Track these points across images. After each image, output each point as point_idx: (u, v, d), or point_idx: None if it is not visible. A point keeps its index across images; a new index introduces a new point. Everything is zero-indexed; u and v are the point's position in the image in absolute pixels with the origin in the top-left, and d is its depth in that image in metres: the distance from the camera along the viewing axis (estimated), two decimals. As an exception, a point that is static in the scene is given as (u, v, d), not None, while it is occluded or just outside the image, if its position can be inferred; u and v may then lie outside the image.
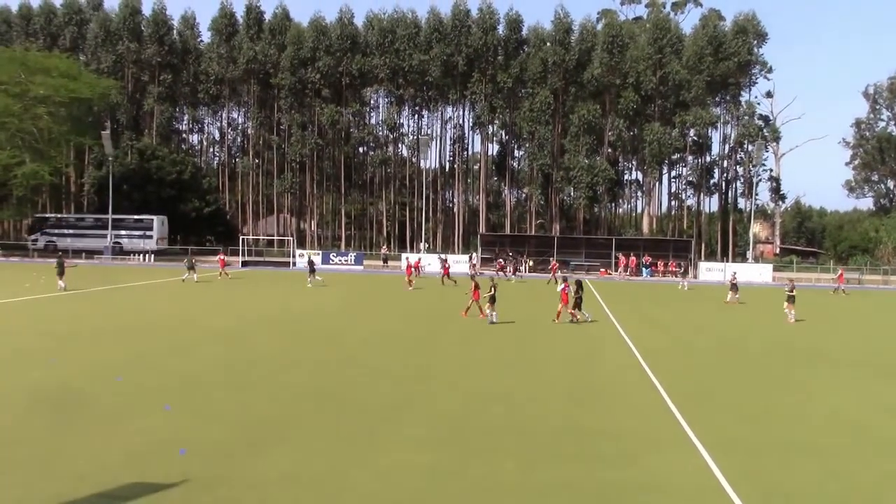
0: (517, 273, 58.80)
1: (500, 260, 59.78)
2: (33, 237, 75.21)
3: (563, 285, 29.01)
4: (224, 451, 11.43)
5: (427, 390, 16.30)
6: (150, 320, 26.87)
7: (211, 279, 47.31)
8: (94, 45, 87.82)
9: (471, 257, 62.17)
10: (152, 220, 72.64)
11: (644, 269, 62.69)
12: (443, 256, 58.83)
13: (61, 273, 38.07)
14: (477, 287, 29.72)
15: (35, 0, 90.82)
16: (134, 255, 69.19)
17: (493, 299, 27.84)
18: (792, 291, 31.98)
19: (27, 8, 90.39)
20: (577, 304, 29.00)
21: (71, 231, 74.13)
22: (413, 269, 48.10)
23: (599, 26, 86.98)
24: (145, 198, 76.45)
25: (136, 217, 72.86)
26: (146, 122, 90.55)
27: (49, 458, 10.97)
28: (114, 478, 10.08)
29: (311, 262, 47.37)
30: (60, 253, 50.39)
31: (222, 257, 51.76)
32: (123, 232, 72.50)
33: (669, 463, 11.52)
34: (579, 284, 29.68)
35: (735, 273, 43.95)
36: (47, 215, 78.43)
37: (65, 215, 79.56)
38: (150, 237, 72.05)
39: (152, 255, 68.51)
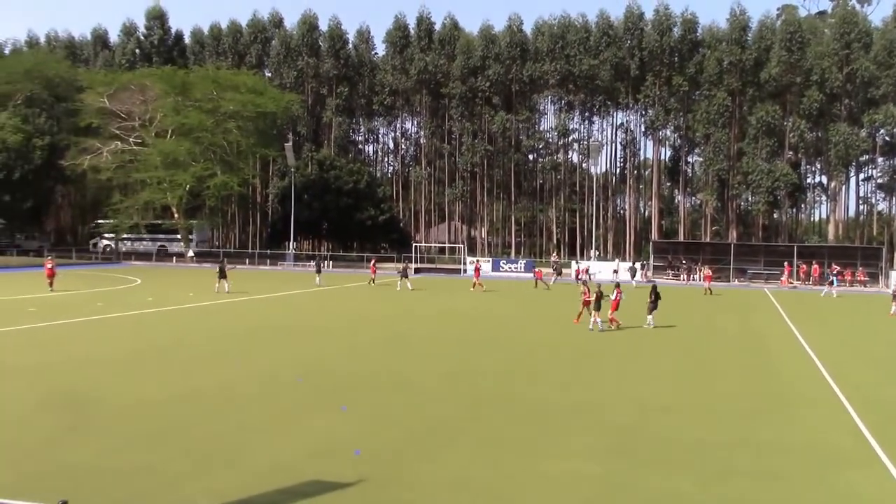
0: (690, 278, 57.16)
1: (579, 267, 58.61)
2: (93, 241, 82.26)
3: (615, 292, 28.34)
4: (397, 454, 11.79)
5: (594, 399, 16.18)
6: (321, 323, 28.06)
7: (388, 284, 48.68)
8: (276, 62, 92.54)
9: (554, 263, 60.83)
10: (192, 225, 79.69)
11: (832, 277, 59.15)
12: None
13: (223, 276, 40.04)
14: (589, 293, 29.01)
15: (224, 20, 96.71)
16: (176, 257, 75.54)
17: (598, 306, 27.20)
18: None
19: (217, 29, 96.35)
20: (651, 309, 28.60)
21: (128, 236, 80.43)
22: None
23: (778, 23, 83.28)
24: (324, 206, 79.59)
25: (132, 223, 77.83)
26: (325, 134, 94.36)
27: (234, 453, 11.66)
28: (293, 475, 10.57)
29: (405, 269, 48.43)
30: (223, 259, 53.27)
31: (373, 264, 52.63)
32: (166, 237, 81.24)
33: (858, 482, 10.92)
34: (654, 288, 29.16)
35: None
36: (100, 221, 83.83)
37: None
38: (191, 241, 78.72)
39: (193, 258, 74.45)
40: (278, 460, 11.30)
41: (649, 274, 59.02)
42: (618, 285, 29.61)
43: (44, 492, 9.20)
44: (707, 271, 51.32)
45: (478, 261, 56.72)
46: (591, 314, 27.50)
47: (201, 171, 73.50)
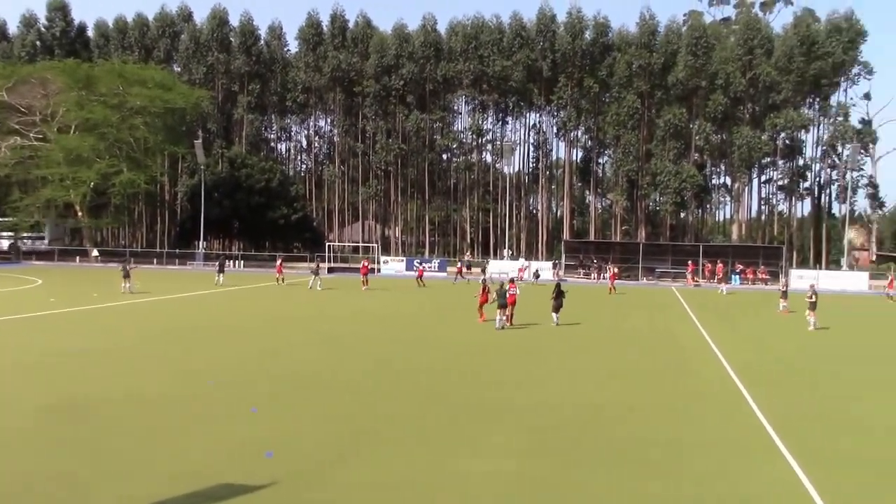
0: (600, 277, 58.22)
1: (459, 265, 60.39)
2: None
3: (509, 286, 28.67)
4: (311, 456, 11.57)
5: (508, 399, 16.18)
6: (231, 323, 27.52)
7: (298, 285, 48.11)
8: (185, 57, 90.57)
9: (459, 263, 62.70)
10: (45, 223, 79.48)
11: (735, 276, 61.11)
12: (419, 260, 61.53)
13: (127, 275, 39.64)
14: (485, 291, 29.75)
15: (129, 13, 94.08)
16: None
17: (501, 305, 27.51)
18: (812, 298, 30.67)
19: (122, 21, 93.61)
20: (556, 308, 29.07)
21: None
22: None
23: (685, 28, 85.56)
24: (235, 205, 78.32)
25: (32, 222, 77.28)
26: (236, 131, 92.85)
27: (143, 458, 11.28)
28: (204, 479, 10.29)
29: (317, 267, 48.68)
30: (127, 258, 52.24)
31: (279, 263, 52.22)
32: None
33: (760, 476, 11.20)
34: (558, 286, 29.75)
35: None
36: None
37: None
38: (43, 239, 78.61)
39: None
40: (189, 465, 10.97)
41: (561, 273, 59.80)
42: (512, 281, 29.83)
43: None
44: (612, 270, 52.13)
45: (366, 258, 56.89)
46: (501, 314, 27.70)
47: (106, 168, 71.31)
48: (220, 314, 31.40)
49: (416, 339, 25.19)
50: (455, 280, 55.95)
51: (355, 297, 41.50)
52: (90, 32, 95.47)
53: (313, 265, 50.72)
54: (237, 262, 70.78)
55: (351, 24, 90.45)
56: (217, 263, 51.82)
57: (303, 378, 17.75)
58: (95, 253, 73.29)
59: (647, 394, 16.97)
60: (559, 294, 29.14)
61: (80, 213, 76.23)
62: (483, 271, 55.70)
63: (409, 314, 33.37)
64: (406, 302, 39.45)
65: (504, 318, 27.50)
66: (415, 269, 57.88)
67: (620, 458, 11.89)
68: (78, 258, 73.08)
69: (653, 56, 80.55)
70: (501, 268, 60.30)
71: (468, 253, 77.99)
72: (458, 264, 60.15)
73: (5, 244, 77.93)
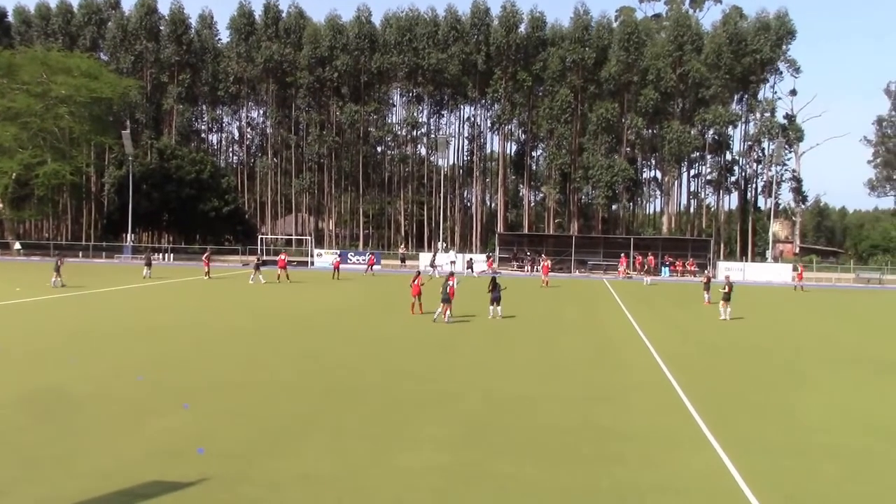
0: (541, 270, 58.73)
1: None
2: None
3: (450, 279, 28.87)
4: (243, 451, 11.45)
5: (445, 390, 16.25)
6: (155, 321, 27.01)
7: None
8: (113, 45, 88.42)
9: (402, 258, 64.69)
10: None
11: (664, 268, 62.29)
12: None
13: (57, 270, 39.02)
14: (417, 282, 30.00)
15: (52, 0, 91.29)
16: None
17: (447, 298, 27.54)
18: (727, 290, 31.51)
19: (45, 7, 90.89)
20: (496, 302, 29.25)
21: None
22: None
23: (616, 24, 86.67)
24: (165, 197, 76.86)
25: None
26: (166, 122, 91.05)
27: (72, 456, 11.03)
28: (134, 476, 10.12)
29: (258, 262, 48.62)
30: (58, 252, 51.08)
31: (206, 257, 50.74)
32: None
33: (687, 464, 11.42)
34: (494, 281, 29.80)
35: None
36: None
37: None
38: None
39: None
40: (117, 462, 10.75)
41: (495, 266, 60.12)
42: (452, 274, 30.06)
43: None
44: (545, 263, 52.59)
45: (284, 251, 56.66)
46: (443, 307, 27.77)
47: (29, 158, 69.31)
48: (147, 309, 30.75)
49: (348, 333, 25.03)
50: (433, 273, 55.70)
51: (288, 291, 41.07)
52: (10, 18, 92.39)
53: (255, 259, 50.26)
54: (167, 254, 69.42)
55: (284, 15, 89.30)
56: (144, 257, 51.07)
57: (232, 374, 17.52)
58: (18, 246, 71.12)
59: (579, 384, 17.18)
60: (495, 287, 29.28)
61: (1, 205, 73.85)
62: (432, 265, 55.83)
63: (341, 308, 33.11)
64: (337, 295, 39.20)
65: (443, 311, 27.46)
66: (331, 264, 55.37)
67: (550, 447, 12.03)
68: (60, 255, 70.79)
69: (586, 51, 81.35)
70: (439, 260, 60.43)
71: (402, 246, 77.70)
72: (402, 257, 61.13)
73: None
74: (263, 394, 15.46)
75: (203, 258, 50.37)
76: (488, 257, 63.26)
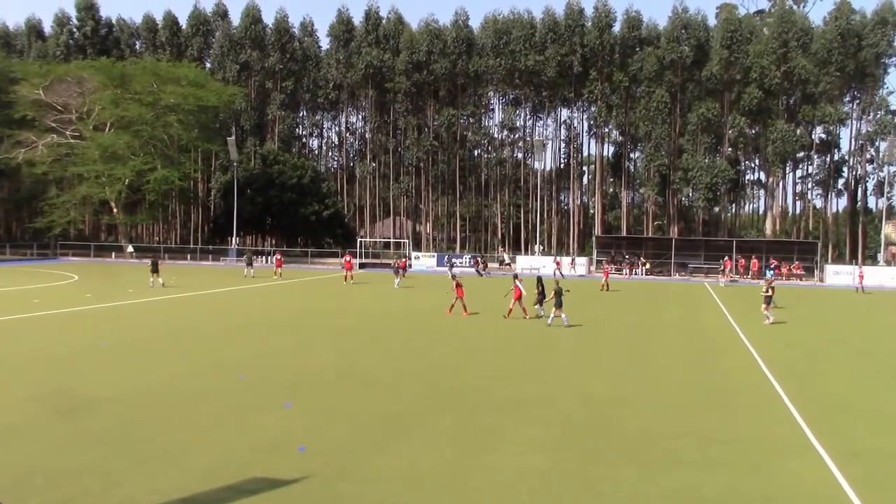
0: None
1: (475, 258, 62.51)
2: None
3: (515, 283, 28.98)
4: (344, 449, 11.69)
5: (541, 392, 16.22)
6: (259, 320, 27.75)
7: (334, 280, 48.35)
8: (219, 55, 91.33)
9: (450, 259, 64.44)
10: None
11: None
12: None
13: (155, 270, 40.99)
14: (459, 286, 30.19)
15: (156, 11, 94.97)
16: None
17: (558, 303, 26.82)
18: (768, 292, 29.96)
19: (151, 20, 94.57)
20: (540, 301, 28.88)
21: None
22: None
23: (717, 21, 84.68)
24: (268, 201, 78.85)
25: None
26: (269, 128, 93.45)
27: (181, 450, 11.48)
28: (239, 471, 10.45)
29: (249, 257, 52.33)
30: (155, 254, 53.50)
31: (279, 257, 54.30)
32: None
33: (793, 471, 11.14)
34: (539, 280, 29.54)
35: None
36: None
37: None
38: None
39: None
40: (223, 457, 11.13)
41: (574, 270, 60.10)
42: (516, 276, 30.02)
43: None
44: (605, 266, 51.18)
45: (349, 252, 57.39)
46: (522, 308, 27.92)
47: (141, 165, 72.28)
48: (250, 309, 31.66)
49: (439, 333, 25.20)
50: (483, 274, 56.79)
51: (382, 293, 41.60)
52: (120, 31, 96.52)
53: (398, 262, 51.53)
54: (268, 257, 71.22)
55: (383, 21, 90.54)
56: (245, 258, 53.85)
57: (330, 372, 17.89)
58: (130, 249, 74.22)
59: (677, 387, 16.90)
60: (542, 288, 28.97)
61: (115, 210, 77.22)
62: (509, 265, 56.29)
63: (432, 309, 33.21)
64: (430, 297, 39.41)
65: (556, 315, 26.83)
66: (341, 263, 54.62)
67: (650, 452, 11.89)
68: (113, 254, 74.07)
69: (683, 50, 79.82)
70: (532, 263, 60.66)
71: (501, 249, 77.71)
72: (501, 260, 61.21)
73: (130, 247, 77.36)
74: (361, 392, 15.75)
75: (345, 260, 51.37)
76: (572, 259, 63.56)
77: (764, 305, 29.96)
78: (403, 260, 51.77)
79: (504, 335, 24.91)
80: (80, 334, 23.34)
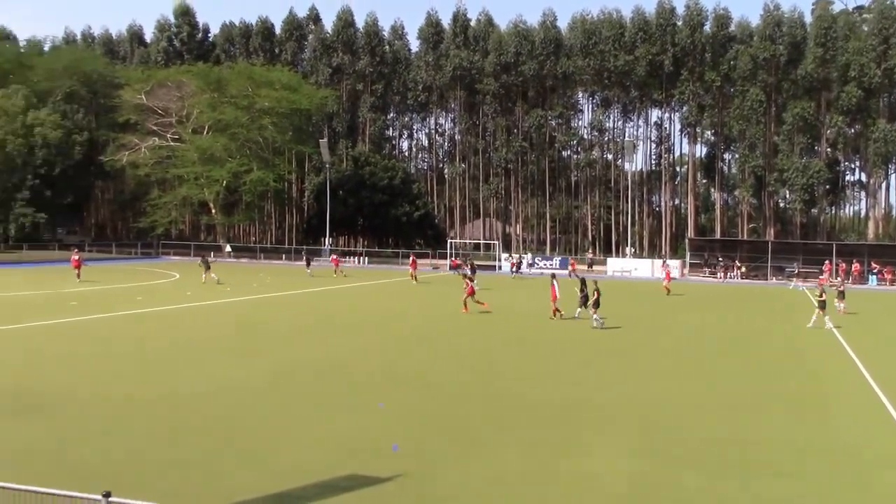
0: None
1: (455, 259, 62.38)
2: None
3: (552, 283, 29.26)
4: (432, 451, 11.97)
5: (619, 398, 16.07)
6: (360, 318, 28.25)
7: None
8: (312, 58, 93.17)
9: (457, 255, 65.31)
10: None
11: (872, 275, 58.23)
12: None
13: (208, 268, 44.07)
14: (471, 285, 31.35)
15: (251, 17, 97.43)
16: None
17: (593, 302, 26.88)
18: (821, 297, 28.52)
19: (245, 25, 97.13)
20: (584, 303, 28.30)
21: None
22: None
23: (812, 19, 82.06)
24: (359, 203, 79.96)
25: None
26: (360, 130, 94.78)
27: (280, 446, 11.94)
28: (335, 469, 10.80)
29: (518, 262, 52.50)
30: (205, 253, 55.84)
31: (334, 257, 56.85)
32: None
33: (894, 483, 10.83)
34: (583, 282, 29.01)
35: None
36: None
37: None
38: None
39: None
40: (320, 455, 11.51)
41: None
42: (553, 276, 30.09)
43: (86, 483, 9.31)
44: (667, 269, 47.71)
45: (413, 253, 57.44)
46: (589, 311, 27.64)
47: (237, 167, 74.29)
48: (340, 309, 32.25)
49: (516, 335, 25.19)
50: (513, 274, 56.94)
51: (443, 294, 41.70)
52: (216, 37, 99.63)
53: (516, 258, 53.28)
54: (361, 258, 72.20)
55: (472, 23, 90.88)
56: (304, 258, 57.16)
57: (417, 374, 18.28)
58: (228, 248, 76.33)
59: (766, 392, 16.55)
60: (585, 289, 28.46)
61: (213, 211, 79.57)
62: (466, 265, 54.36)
63: (521, 311, 33.10)
64: (516, 298, 39.30)
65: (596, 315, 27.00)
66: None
67: (740, 460, 11.74)
68: (212, 253, 76.29)
69: (777, 48, 77.67)
70: (623, 266, 60.15)
71: (590, 251, 76.93)
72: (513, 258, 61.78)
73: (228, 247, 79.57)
74: (448, 394, 16.04)
75: (410, 261, 51.00)
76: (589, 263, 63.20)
77: (818, 311, 28.72)
78: (455, 259, 52.58)
79: (561, 337, 24.80)
80: (179, 331, 24.27)
